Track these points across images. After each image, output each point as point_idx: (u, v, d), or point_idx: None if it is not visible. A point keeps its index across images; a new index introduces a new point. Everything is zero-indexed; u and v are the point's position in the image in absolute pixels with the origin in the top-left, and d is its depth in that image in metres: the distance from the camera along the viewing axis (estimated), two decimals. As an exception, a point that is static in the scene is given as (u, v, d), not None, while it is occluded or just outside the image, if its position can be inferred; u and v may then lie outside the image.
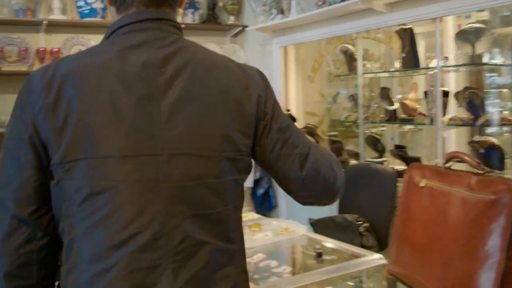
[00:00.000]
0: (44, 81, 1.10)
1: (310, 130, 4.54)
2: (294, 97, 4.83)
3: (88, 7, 4.40)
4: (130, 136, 1.08)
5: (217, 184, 1.15)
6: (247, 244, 1.26)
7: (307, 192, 1.30)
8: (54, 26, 4.54)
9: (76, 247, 1.09)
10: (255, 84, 1.24)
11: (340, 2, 3.59)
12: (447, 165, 1.55)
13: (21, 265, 1.13)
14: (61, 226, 1.13)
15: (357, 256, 2.07)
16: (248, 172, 1.25)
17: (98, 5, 4.40)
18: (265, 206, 4.96)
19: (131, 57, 1.13)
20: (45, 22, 4.37)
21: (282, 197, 4.75)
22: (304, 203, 1.36)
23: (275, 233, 2.45)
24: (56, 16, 4.40)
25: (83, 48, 4.56)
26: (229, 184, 1.18)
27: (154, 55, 1.14)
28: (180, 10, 4.75)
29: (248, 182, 4.84)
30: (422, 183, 1.58)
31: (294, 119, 4.70)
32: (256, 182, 4.90)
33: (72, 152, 1.07)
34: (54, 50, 4.43)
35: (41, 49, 4.40)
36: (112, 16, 1.28)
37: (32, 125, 1.09)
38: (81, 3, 4.43)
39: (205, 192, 1.13)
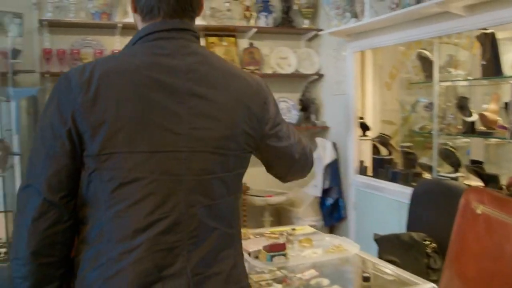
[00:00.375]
0: (83, 79, 1.24)
1: (383, 140, 4.31)
2: (370, 104, 4.62)
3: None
4: (159, 134, 1.25)
5: (227, 177, 1.34)
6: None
7: (296, 174, 1.59)
8: (129, 29, 4.62)
9: (105, 229, 1.25)
10: (262, 91, 1.42)
11: (414, 4, 3.36)
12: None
13: (47, 244, 1.26)
14: (85, 211, 1.28)
15: (408, 283, 1.87)
16: (247, 166, 1.43)
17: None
18: (334, 216, 4.78)
19: (160, 62, 1.28)
20: (119, 25, 4.44)
21: (352, 209, 4.55)
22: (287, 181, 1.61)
23: (326, 251, 2.30)
24: (131, 19, 4.43)
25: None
26: (235, 177, 1.38)
27: (180, 62, 1.30)
28: (254, 14, 4.69)
29: (317, 192, 4.68)
30: (479, 209, 1.38)
31: (367, 128, 4.49)
32: (325, 192, 4.72)
33: (108, 146, 1.22)
34: (127, 52, 4.49)
35: (115, 51, 4.48)
36: (136, 23, 1.44)
37: (72, 119, 1.23)
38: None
39: (217, 184, 1.32)
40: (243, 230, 1.86)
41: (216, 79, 1.33)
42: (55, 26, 4.52)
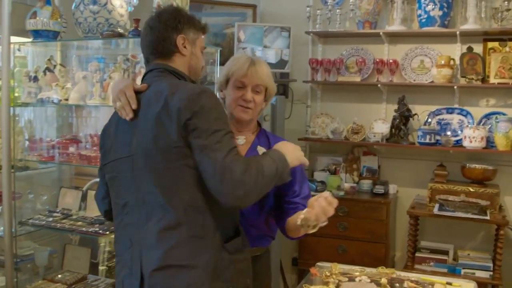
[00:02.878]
0: None
1: None
2: None
3: (426, 16, 4.16)
4: (124, 145, 1.83)
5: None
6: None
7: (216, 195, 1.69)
8: (395, 37, 4.48)
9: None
10: (176, 104, 1.68)
11: None
12: None
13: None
14: None
15: None
16: None
17: (436, 13, 4.11)
18: None
19: None
20: (382, 33, 4.35)
21: None
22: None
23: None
24: (395, 27, 4.31)
25: (425, 59, 4.37)
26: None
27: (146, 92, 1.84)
28: None
29: None
30: None
31: None
32: None
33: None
34: (390, 61, 4.36)
35: (377, 60, 4.40)
36: None
37: None
38: (419, 12, 4.22)
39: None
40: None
41: (148, 102, 1.79)
42: (323, 36, 4.69)
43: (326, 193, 1.80)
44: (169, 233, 1.69)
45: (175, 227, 1.69)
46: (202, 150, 1.65)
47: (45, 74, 3.10)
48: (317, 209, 1.75)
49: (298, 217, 1.80)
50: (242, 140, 2.16)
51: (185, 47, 1.87)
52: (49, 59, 3.15)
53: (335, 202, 1.80)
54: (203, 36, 1.97)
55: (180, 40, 1.85)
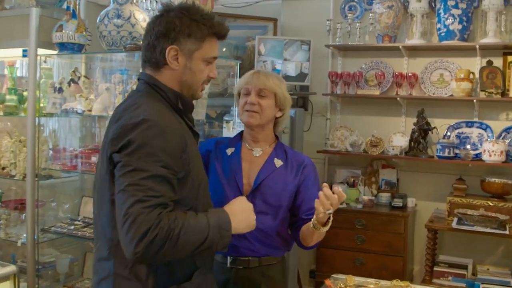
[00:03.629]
0: None
1: None
2: None
3: (445, 29, 4.18)
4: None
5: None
6: None
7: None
8: (415, 50, 4.50)
9: None
10: (111, 132, 1.56)
11: None
12: None
13: None
14: None
15: None
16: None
17: (455, 27, 4.12)
18: None
19: None
20: (402, 46, 4.37)
21: None
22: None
23: None
24: (414, 40, 4.33)
25: (445, 73, 4.38)
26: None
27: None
28: None
29: None
30: None
31: None
32: None
33: None
34: (409, 74, 4.38)
35: (396, 73, 4.41)
36: None
37: None
38: (439, 26, 4.24)
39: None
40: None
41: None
42: (343, 50, 4.73)
43: (336, 187, 1.82)
44: (102, 264, 1.63)
45: (107, 260, 1.61)
46: (118, 189, 1.48)
47: (69, 85, 3.19)
48: (321, 197, 1.79)
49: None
50: (258, 152, 2.16)
51: (176, 60, 1.65)
52: (73, 71, 3.24)
53: (341, 195, 1.80)
54: (214, 43, 1.72)
55: (170, 52, 1.64)
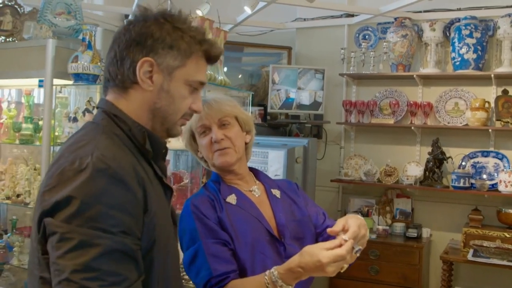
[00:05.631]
0: None
1: None
2: None
3: (460, 58, 4.17)
4: None
5: None
6: None
7: None
8: (430, 79, 4.49)
9: None
10: (43, 184, 1.13)
11: None
12: None
13: None
14: None
15: None
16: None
17: (470, 56, 4.11)
18: None
19: None
20: (416, 75, 4.36)
21: None
22: None
23: None
24: (429, 69, 4.33)
25: (460, 102, 4.35)
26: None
27: None
28: None
29: None
30: None
31: None
32: None
33: None
34: (424, 103, 4.36)
35: (411, 102, 4.40)
36: None
37: None
38: (453, 55, 4.23)
39: None
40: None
41: None
42: (357, 78, 4.73)
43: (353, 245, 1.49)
44: None
45: None
46: (54, 274, 1.03)
47: (84, 115, 3.22)
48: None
49: None
50: (258, 192, 1.80)
51: (150, 78, 1.22)
52: (88, 101, 3.28)
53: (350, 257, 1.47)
54: (201, 64, 1.30)
55: (143, 66, 1.20)
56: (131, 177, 1.11)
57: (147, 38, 1.21)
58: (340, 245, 1.44)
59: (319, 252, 1.42)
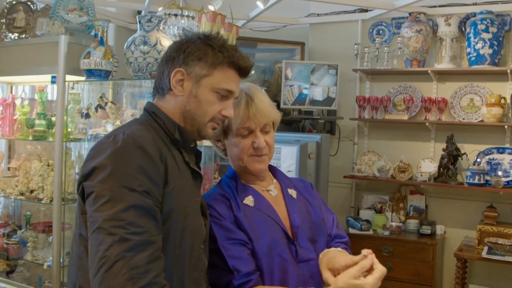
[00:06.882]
0: None
1: None
2: None
3: (475, 54, 4.11)
4: None
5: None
6: None
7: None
8: (444, 75, 4.44)
9: None
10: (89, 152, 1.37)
11: None
12: None
13: None
14: None
15: None
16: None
17: (485, 51, 4.06)
18: None
19: None
20: (431, 71, 4.32)
21: None
22: None
23: None
24: (444, 65, 4.27)
25: (475, 98, 4.30)
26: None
27: None
28: None
29: None
30: None
31: None
32: None
33: None
34: (438, 99, 4.32)
35: (425, 98, 4.36)
36: None
37: None
38: (469, 50, 4.18)
39: None
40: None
41: None
42: (371, 74, 4.69)
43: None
44: None
45: None
46: (90, 225, 1.26)
47: (96, 111, 3.23)
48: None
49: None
50: (274, 191, 1.75)
51: (181, 84, 1.46)
52: (101, 97, 3.29)
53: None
54: (229, 73, 1.49)
55: (176, 75, 1.45)
56: (154, 152, 1.34)
57: (180, 53, 1.46)
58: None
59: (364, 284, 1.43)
